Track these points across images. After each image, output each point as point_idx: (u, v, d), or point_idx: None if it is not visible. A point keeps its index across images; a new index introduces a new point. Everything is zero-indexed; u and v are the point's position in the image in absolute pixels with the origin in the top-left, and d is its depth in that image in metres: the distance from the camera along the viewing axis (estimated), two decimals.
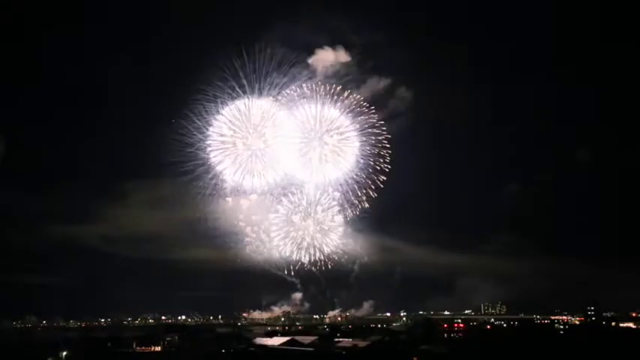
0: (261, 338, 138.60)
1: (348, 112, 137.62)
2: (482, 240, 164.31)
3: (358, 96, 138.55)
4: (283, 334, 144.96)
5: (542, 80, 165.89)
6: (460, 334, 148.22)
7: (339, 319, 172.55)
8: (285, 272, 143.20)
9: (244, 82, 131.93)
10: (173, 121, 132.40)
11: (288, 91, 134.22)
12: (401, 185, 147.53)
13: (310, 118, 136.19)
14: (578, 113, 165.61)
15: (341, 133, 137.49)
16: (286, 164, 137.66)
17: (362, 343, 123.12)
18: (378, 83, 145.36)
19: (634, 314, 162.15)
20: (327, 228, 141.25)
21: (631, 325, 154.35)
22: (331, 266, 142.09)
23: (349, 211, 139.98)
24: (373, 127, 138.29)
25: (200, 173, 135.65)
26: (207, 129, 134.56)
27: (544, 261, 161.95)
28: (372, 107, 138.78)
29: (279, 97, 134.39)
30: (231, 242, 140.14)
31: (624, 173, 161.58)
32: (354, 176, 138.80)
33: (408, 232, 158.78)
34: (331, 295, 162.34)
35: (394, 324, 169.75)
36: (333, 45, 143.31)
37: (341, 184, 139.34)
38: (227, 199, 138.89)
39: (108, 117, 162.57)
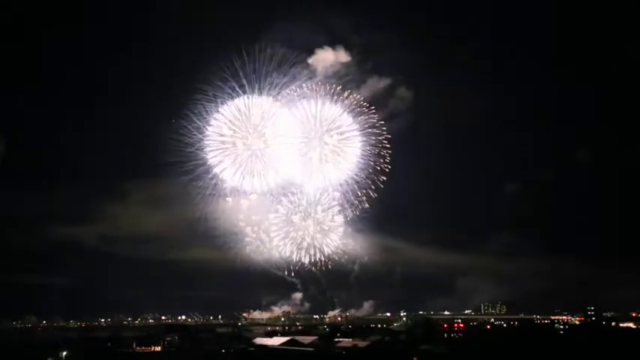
0: (261, 338, 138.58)
1: (348, 112, 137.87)
2: (482, 240, 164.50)
3: (358, 96, 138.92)
4: (283, 334, 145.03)
5: (542, 80, 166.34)
6: (460, 334, 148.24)
7: (339, 319, 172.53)
8: (286, 272, 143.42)
9: (244, 82, 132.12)
10: (173, 121, 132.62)
11: (288, 91, 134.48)
12: (401, 185, 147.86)
13: (310, 118, 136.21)
14: (578, 113, 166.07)
15: (341, 133, 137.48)
16: (286, 164, 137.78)
17: (362, 343, 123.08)
18: (378, 83, 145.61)
19: (634, 314, 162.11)
20: (327, 228, 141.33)
21: (631, 325, 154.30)
22: (331, 266, 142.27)
23: (349, 211, 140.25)
24: (373, 127, 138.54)
25: (200, 173, 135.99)
26: (207, 129, 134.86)
27: (544, 261, 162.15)
28: (372, 107, 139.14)
29: (279, 97, 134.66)
30: (231, 242, 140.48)
31: (624, 173, 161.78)
32: (354, 176, 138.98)
33: (408, 232, 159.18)
34: (331, 295, 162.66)
35: (394, 324, 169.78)
36: (333, 45, 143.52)
37: (341, 184, 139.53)
38: (227, 199, 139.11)
39: (108, 117, 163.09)
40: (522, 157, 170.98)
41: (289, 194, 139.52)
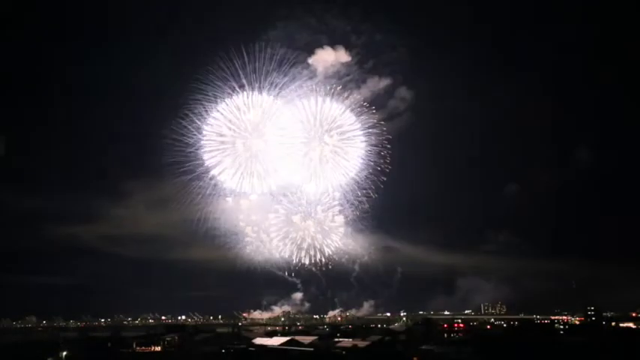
0: (260, 338, 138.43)
1: (348, 112, 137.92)
2: (482, 240, 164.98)
3: (358, 96, 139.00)
4: (283, 334, 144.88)
5: (542, 80, 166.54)
6: (460, 334, 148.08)
7: (339, 319, 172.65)
8: (286, 272, 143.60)
9: (244, 81, 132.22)
10: (174, 121, 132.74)
11: (288, 90, 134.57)
12: (401, 185, 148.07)
13: (310, 118, 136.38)
14: (578, 113, 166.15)
15: (341, 134, 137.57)
16: (286, 164, 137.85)
17: (362, 343, 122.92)
18: (378, 83, 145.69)
19: (634, 314, 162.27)
20: (327, 229, 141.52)
21: (631, 325, 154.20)
22: (332, 266, 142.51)
23: (349, 211, 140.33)
24: (373, 127, 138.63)
25: (200, 173, 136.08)
26: (207, 129, 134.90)
27: (544, 261, 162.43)
28: (372, 107, 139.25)
29: (280, 97, 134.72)
30: (231, 242, 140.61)
31: (624, 173, 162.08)
32: (355, 176, 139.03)
33: (408, 232, 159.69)
34: (332, 295, 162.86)
35: (394, 324, 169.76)
36: (333, 45, 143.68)
37: (341, 185, 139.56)
38: (227, 199, 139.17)
39: (108, 117, 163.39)
40: (522, 158, 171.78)
41: (289, 194, 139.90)
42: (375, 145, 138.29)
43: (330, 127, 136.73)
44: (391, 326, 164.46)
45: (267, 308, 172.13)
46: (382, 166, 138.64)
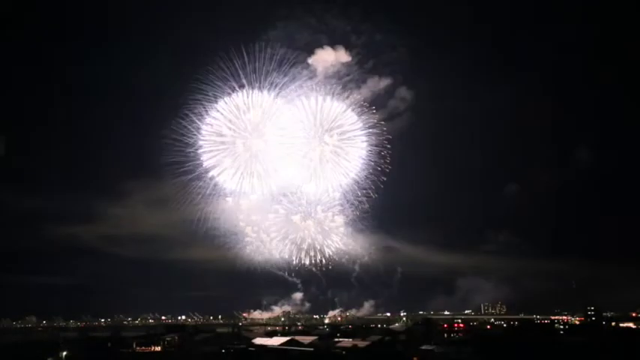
0: (260, 338, 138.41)
1: (348, 112, 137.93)
2: (482, 240, 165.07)
3: (358, 96, 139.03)
4: (283, 334, 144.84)
5: (542, 80, 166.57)
6: (460, 334, 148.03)
7: (339, 319, 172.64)
8: (286, 272, 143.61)
9: (244, 81, 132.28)
10: (174, 121, 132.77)
11: (288, 90, 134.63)
12: (401, 185, 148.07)
13: (310, 118, 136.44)
14: (578, 113, 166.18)
15: (341, 134, 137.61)
16: (286, 164, 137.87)
17: (362, 343, 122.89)
18: (378, 83, 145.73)
19: (634, 314, 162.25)
20: (327, 229, 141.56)
21: (631, 325, 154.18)
22: (332, 266, 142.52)
23: (350, 211, 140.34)
24: (373, 127, 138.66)
25: (200, 173, 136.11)
26: (207, 129, 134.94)
27: (544, 261, 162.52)
28: (373, 107, 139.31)
29: (280, 97, 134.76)
30: (231, 242, 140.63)
31: (624, 173, 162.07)
32: (355, 176, 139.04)
33: (408, 232, 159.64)
34: (332, 295, 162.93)
35: (394, 324, 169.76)
36: (333, 45, 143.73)
37: (341, 185, 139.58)
38: (227, 199, 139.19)
39: (108, 117, 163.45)
40: (522, 158, 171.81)
41: (289, 194, 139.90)
42: (375, 145, 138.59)
43: (330, 127, 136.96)
44: (391, 326, 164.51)
45: (267, 308, 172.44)
46: (382, 166, 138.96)
